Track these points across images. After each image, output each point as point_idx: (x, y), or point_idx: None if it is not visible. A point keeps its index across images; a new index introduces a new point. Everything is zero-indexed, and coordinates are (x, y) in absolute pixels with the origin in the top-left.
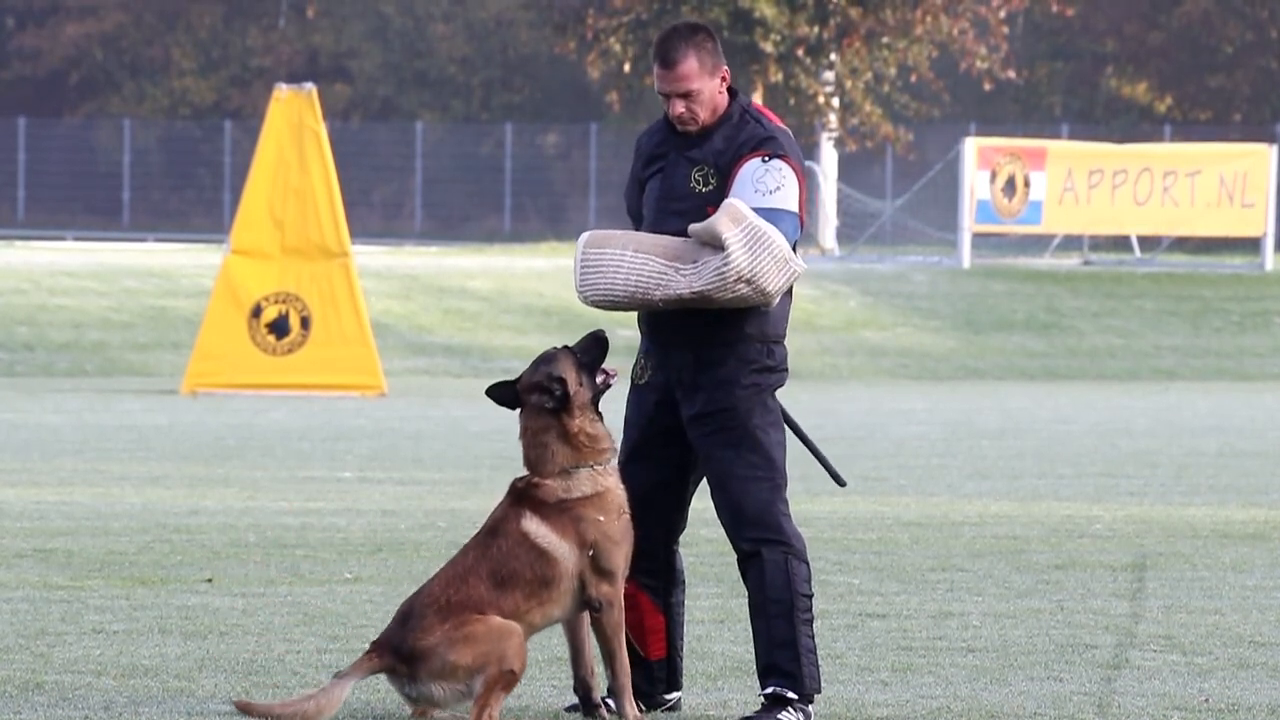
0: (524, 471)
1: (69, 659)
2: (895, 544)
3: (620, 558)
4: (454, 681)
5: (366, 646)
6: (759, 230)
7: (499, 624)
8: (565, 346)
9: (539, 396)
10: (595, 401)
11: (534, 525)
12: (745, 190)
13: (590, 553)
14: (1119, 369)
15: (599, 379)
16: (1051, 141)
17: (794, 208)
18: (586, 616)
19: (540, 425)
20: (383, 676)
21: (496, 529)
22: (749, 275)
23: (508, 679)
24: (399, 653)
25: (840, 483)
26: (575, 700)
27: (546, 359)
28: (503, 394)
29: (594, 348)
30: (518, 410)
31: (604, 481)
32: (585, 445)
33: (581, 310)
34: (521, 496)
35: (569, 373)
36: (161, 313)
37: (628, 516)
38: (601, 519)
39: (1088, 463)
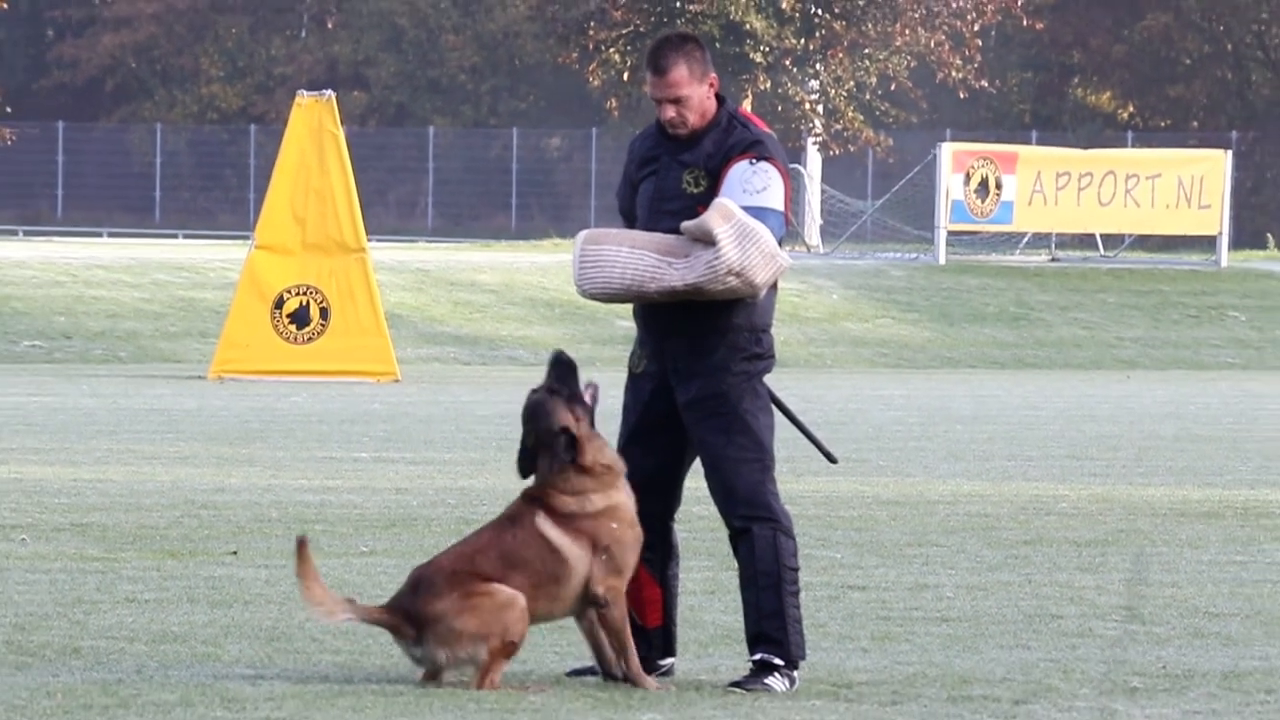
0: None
1: (103, 626)
2: (875, 521)
3: (631, 560)
4: (457, 647)
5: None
6: (748, 227)
7: (503, 595)
8: (547, 390)
9: (555, 453)
10: (592, 421)
11: (549, 528)
12: (734, 190)
13: (604, 556)
14: (1084, 359)
15: (587, 398)
16: (1022, 147)
17: (780, 206)
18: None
19: (559, 468)
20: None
21: (513, 519)
22: (738, 269)
23: (508, 649)
24: (408, 616)
25: (831, 460)
26: (577, 666)
27: (541, 414)
28: (528, 466)
29: (567, 374)
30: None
31: (615, 497)
32: (600, 472)
33: (582, 302)
34: (536, 500)
35: (566, 418)
36: (190, 304)
37: (639, 529)
38: (615, 526)
39: (1054, 446)
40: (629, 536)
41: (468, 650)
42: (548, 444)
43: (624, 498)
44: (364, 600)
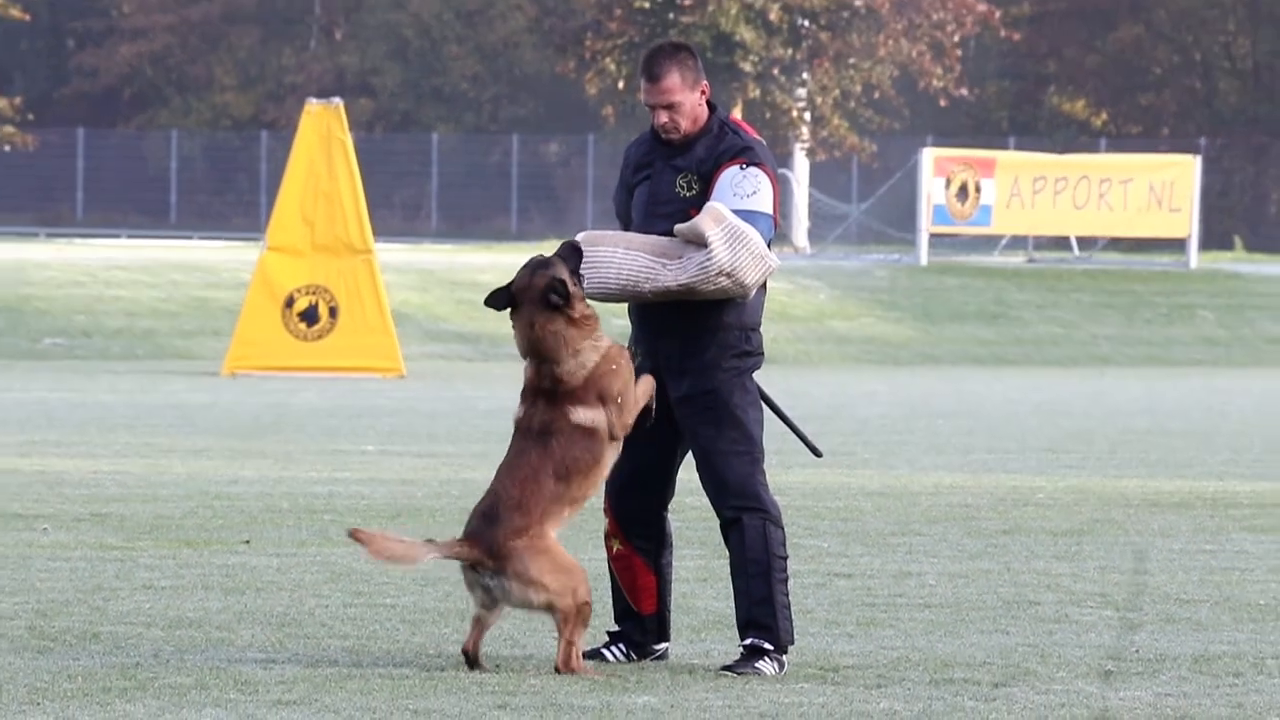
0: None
1: (122, 612)
2: (860, 511)
3: (632, 387)
4: (532, 590)
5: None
6: (738, 229)
7: (573, 561)
8: (557, 253)
9: (552, 297)
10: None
11: (579, 413)
12: (725, 194)
13: (617, 402)
14: (1060, 356)
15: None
16: (1000, 152)
17: (769, 210)
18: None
19: (547, 319)
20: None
21: (549, 429)
22: (729, 269)
23: (584, 611)
24: (489, 549)
25: (816, 454)
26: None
27: (543, 264)
28: (499, 300)
29: (573, 255)
30: (509, 310)
31: (602, 342)
32: (587, 324)
33: None
34: (555, 394)
35: (564, 273)
36: (204, 303)
37: (626, 353)
38: (613, 368)
39: (1032, 439)
40: (624, 369)
41: (540, 593)
42: (542, 291)
43: (607, 340)
44: (372, 589)
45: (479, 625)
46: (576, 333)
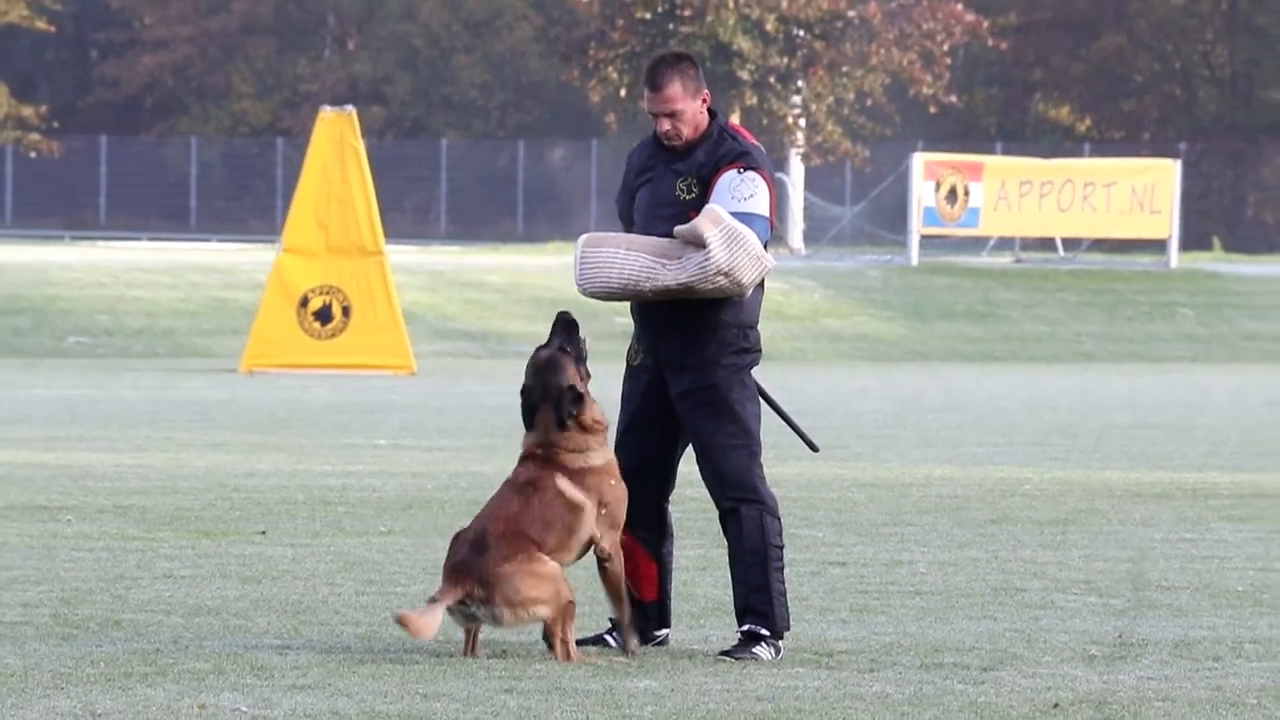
0: (525, 438)
1: (143, 600)
2: (853, 502)
3: (623, 514)
4: (521, 609)
5: (442, 577)
6: (736, 231)
7: (554, 567)
8: (559, 349)
9: (564, 412)
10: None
11: (565, 484)
12: (723, 197)
13: (605, 511)
14: (1045, 353)
15: (584, 351)
16: (987, 157)
17: (765, 212)
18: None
19: (561, 437)
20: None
21: (533, 484)
22: (727, 269)
23: (569, 609)
24: (480, 578)
25: (813, 448)
26: (579, 636)
27: (554, 370)
28: (532, 418)
29: (572, 334)
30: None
31: (608, 453)
32: (598, 429)
33: (583, 301)
34: (548, 460)
35: (574, 377)
36: (222, 303)
37: (624, 485)
38: (613, 482)
39: (1018, 433)
40: (621, 492)
41: (529, 610)
42: (555, 399)
43: (613, 455)
44: (384, 578)
45: (469, 634)
46: (589, 437)
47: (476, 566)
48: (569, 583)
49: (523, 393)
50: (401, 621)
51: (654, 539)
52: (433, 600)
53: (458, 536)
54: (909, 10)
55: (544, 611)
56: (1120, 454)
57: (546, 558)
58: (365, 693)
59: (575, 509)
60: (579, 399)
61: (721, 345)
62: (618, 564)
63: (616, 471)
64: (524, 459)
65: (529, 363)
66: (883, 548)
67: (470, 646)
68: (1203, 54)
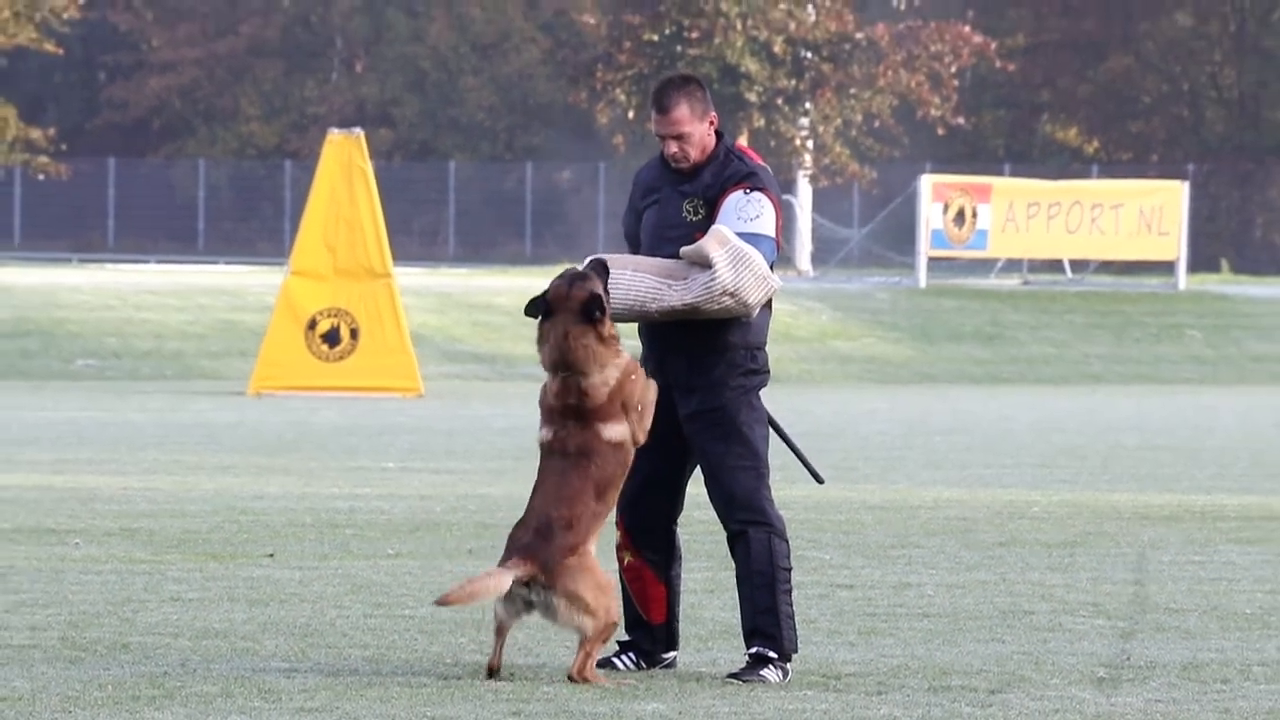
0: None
1: (150, 623)
2: (861, 524)
3: (651, 397)
4: (575, 608)
5: (504, 553)
6: (742, 252)
7: (606, 577)
8: (590, 267)
9: (591, 311)
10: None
11: (609, 429)
12: (729, 218)
13: (638, 411)
14: (1053, 374)
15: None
16: (995, 179)
17: (771, 233)
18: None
19: (581, 331)
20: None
21: (585, 450)
22: (733, 290)
23: (610, 630)
24: (544, 565)
25: (819, 480)
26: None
27: (580, 277)
28: (537, 307)
29: (603, 272)
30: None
31: (622, 358)
32: (613, 341)
33: None
34: (584, 412)
35: (600, 288)
36: (231, 325)
37: (642, 370)
38: (634, 378)
39: (1026, 455)
40: (643, 381)
41: (581, 615)
42: (583, 304)
43: (626, 355)
44: (391, 600)
45: (502, 636)
46: (604, 349)
47: (543, 552)
48: (619, 602)
49: (538, 301)
50: (462, 595)
51: (662, 561)
52: (502, 565)
53: (519, 523)
54: (916, 32)
55: (589, 623)
56: (1128, 476)
57: (602, 571)
58: (373, 716)
59: (622, 448)
60: (604, 308)
61: (729, 367)
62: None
63: (633, 366)
64: (555, 417)
65: (556, 277)
66: (890, 570)
67: (498, 654)
68: (1211, 75)
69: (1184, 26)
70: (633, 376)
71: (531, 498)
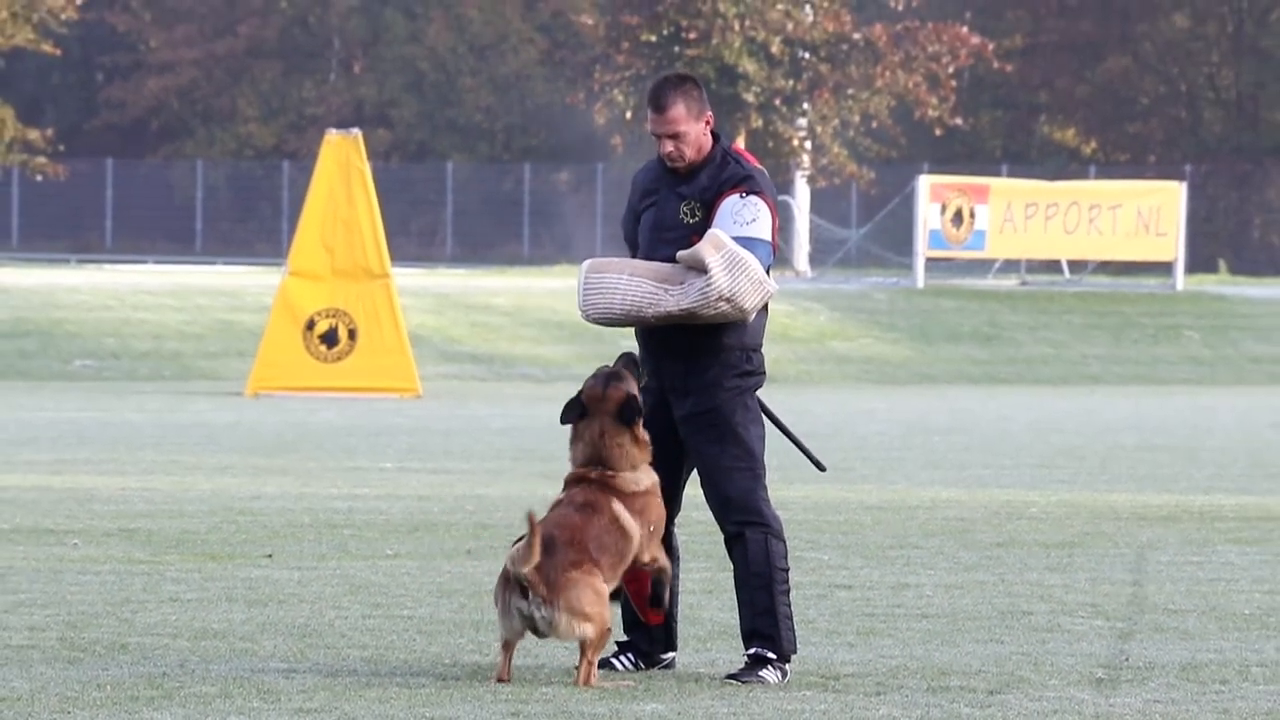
0: (569, 468)
1: (149, 623)
2: (860, 525)
3: (663, 528)
4: (576, 620)
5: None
6: (737, 256)
7: (603, 586)
8: (622, 366)
9: (628, 414)
10: None
11: (620, 509)
12: (725, 221)
13: (651, 529)
14: (1051, 375)
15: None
16: (993, 179)
17: (768, 236)
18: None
19: (616, 431)
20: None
21: (592, 507)
22: (729, 294)
23: (607, 636)
24: (548, 579)
25: (820, 468)
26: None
27: (615, 377)
28: (574, 412)
29: (634, 366)
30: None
31: (653, 473)
32: (646, 445)
33: (589, 325)
34: (604, 485)
35: (636, 390)
36: (229, 326)
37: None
38: (658, 500)
39: (1024, 455)
40: (663, 510)
41: (582, 627)
42: (619, 406)
43: (655, 475)
44: (390, 601)
45: (509, 651)
46: (638, 452)
47: (546, 566)
48: (610, 612)
49: (574, 404)
50: (514, 575)
51: None
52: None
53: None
54: (914, 33)
55: (591, 631)
56: (1126, 476)
57: (600, 580)
58: (371, 716)
59: (627, 537)
60: (640, 412)
61: (724, 368)
62: (662, 564)
63: (659, 490)
64: (577, 481)
65: (590, 377)
66: (889, 571)
67: (506, 667)
68: (1208, 76)
69: (1182, 27)
70: (657, 499)
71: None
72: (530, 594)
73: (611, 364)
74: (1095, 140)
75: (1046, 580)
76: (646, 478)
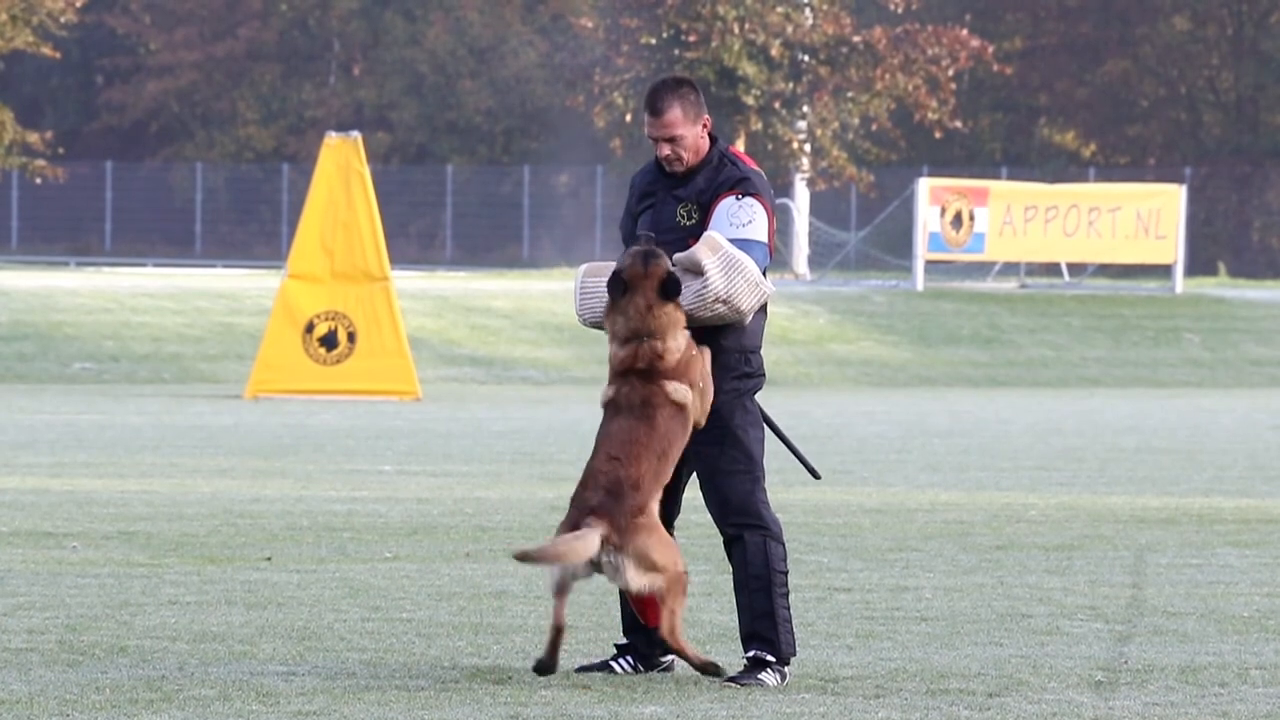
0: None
1: (148, 626)
2: (859, 528)
3: (709, 374)
4: (644, 569)
5: (581, 510)
6: (734, 258)
7: (667, 534)
8: (652, 250)
9: (669, 288)
10: None
11: (675, 389)
12: (722, 223)
13: (700, 386)
14: (1051, 377)
15: None
16: (993, 182)
17: (764, 238)
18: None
19: (660, 303)
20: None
21: (650, 403)
22: (725, 296)
23: (684, 580)
24: (617, 525)
25: (815, 475)
26: (585, 663)
27: (653, 256)
28: (618, 286)
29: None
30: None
31: (688, 335)
32: (683, 315)
33: (587, 328)
34: (654, 373)
35: (670, 265)
36: (228, 329)
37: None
38: (695, 353)
39: (1024, 458)
40: (703, 357)
41: (650, 575)
42: (663, 281)
43: (689, 332)
44: (389, 603)
45: (564, 596)
46: (681, 318)
47: (615, 512)
48: (682, 555)
49: (616, 274)
50: (547, 555)
51: None
52: (589, 526)
53: (583, 483)
54: (914, 35)
55: (661, 581)
56: (1126, 479)
57: (663, 528)
58: (370, 719)
59: (684, 412)
60: (679, 285)
61: (723, 370)
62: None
63: (694, 344)
64: (624, 374)
65: (628, 252)
66: (888, 573)
67: (561, 612)
68: (1208, 79)
69: (1181, 30)
70: (695, 352)
71: (594, 456)
72: (606, 540)
73: (636, 243)
74: (1095, 143)
75: (1046, 583)
76: (685, 339)
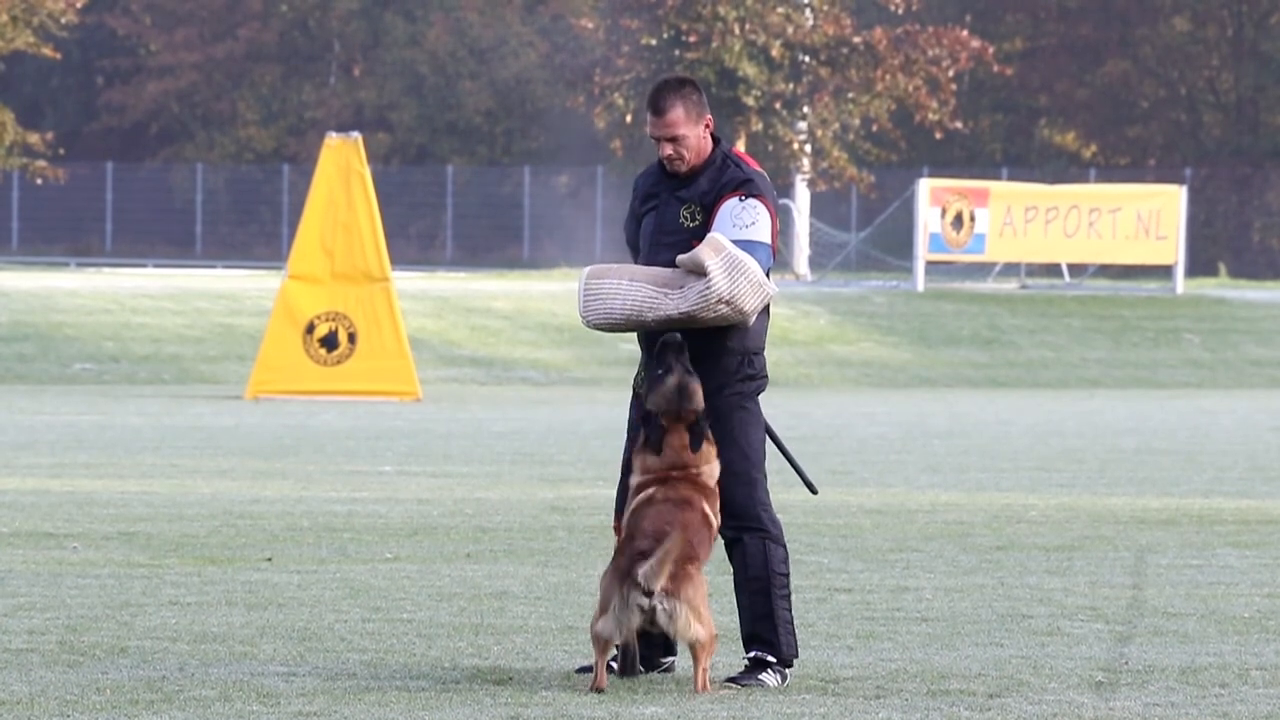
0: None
1: (148, 627)
2: (859, 528)
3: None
4: (694, 618)
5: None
6: (737, 259)
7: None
8: (685, 372)
9: (700, 432)
10: None
11: (705, 506)
12: (725, 225)
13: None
14: (1051, 378)
15: None
16: (993, 183)
17: (767, 239)
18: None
19: (695, 445)
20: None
21: (688, 502)
22: (728, 297)
23: (714, 643)
24: (671, 572)
25: (813, 490)
26: (584, 664)
27: (688, 394)
28: (656, 434)
29: (684, 354)
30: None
31: (719, 464)
32: (712, 447)
33: (589, 329)
34: (694, 482)
35: (702, 400)
36: (228, 329)
37: None
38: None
39: (1024, 459)
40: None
41: (695, 626)
42: (690, 423)
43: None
44: (389, 604)
45: (606, 653)
46: (712, 451)
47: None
48: None
49: (651, 416)
50: (635, 578)
51: None
52: (646, 554)
53: (629, 538)
54: (914, 36)
55: (703, 634)
56: (1126, 480)
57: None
58: (370, 719)
59: (711, 528)
60: (707, 426)
61: (725, 372)
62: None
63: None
64: (662, 480)
65: (660, 388)
66: (888, 574)
67: (603, 674)
68: (1208, 80)
69: (1182, 31)
70: (717, 490)
71: (639, 524)
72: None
73: (666, 371)
74: (1095, 144)
75: (1046, 584)
76: (717, 469)
